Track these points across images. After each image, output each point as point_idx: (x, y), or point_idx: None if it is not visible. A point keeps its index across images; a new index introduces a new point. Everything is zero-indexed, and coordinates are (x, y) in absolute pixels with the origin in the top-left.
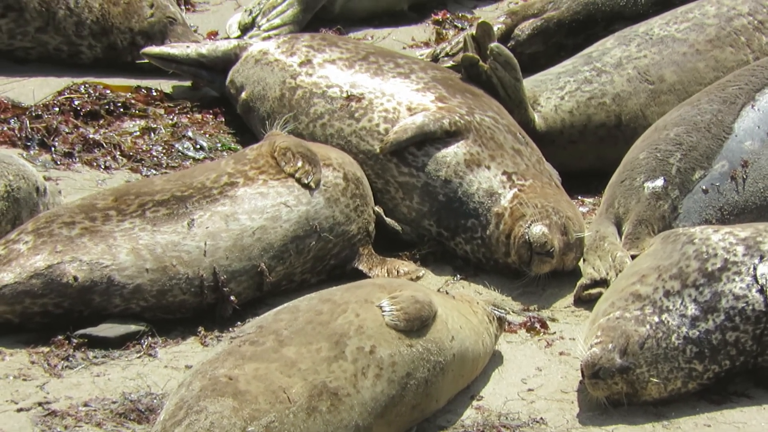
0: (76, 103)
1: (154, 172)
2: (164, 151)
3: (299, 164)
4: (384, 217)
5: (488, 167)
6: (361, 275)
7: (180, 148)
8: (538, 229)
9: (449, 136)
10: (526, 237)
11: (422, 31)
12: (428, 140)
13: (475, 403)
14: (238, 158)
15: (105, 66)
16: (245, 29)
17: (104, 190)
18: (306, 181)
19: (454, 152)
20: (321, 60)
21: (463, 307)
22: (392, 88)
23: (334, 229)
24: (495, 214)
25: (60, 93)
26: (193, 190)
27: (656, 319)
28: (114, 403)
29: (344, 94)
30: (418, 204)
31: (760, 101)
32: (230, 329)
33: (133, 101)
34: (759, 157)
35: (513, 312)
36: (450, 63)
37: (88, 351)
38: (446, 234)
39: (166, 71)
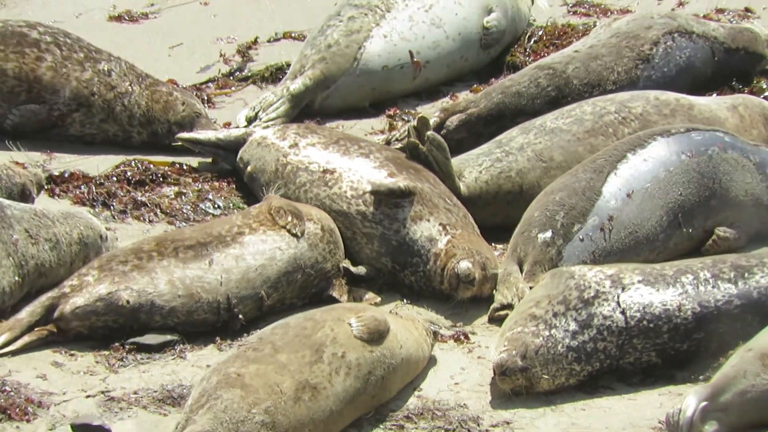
0: (129, 174)
1: (185, 224)
2: (192, 209)
3: (289, 219)
4: (350, 266)
5: (428, 220)
6: (334, 300)
7: (203, 207)
8: (464, 265)
9: (403, 196)
10: (456, 270)
11: (379, 122)
12: (385, 201)
13: (416, 393)
14: (245, 214)
15: (149, 147)
16: (250, 121)
17: (148, 237)
18: (294, 231)
19: (402, 210)
20: (305, 143)
21: (408, 324)
22: (356, 164)
23: (314, 267)
24: (433, 254)
25: (117, 167)
26: (212, 238)
27: (547, 333)
28: (155, 392)
29: (321, 169)
30: (377, 247)
31: (621, 169)
32: (239, 339)
33: (169, 173)
34: (621, 213)
35: (444, 327)
36: (399, 146)
37: (137, 354)
38: (398, 268)
39: (194, 151)
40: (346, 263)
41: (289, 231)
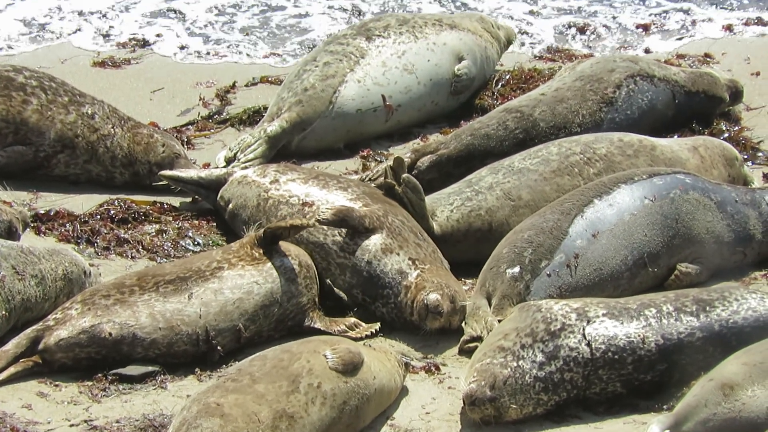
0: (112, 212)
1: (165, 260)
2: (172, 246)
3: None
4: (333, 287)
5: (398, 254)
6: (311, 332)
7: (183, 244)
8: (433, 297)
9: (369, 231)
10: (425, 302)
11: (353, 163)
12: (355, 233)
13: (389, 422)
14: (225, 250)
15: (131, 187)
16: (229, 161)
17: (130, 273)
18: (277, 232)
19: (373, 243)
20: (285, 179)
21: (381, 356)
22: (334, 197)
23: (291, 300)
24: (404, 286)
25: (101, 205)
26: (192, 273)
27: (515, 364)
28: (137, 420)
29: (300, 202)
30: (349, 278)
31: (586, 212)
32: (218, 370)
33: (151, 211)
34: (586, 251)
35: (416, 359)
36: (373, 185)
37: (119, 384)
38: (368, 300)
39: (174, 190)
40: (328, 282)
41: (268, 246)
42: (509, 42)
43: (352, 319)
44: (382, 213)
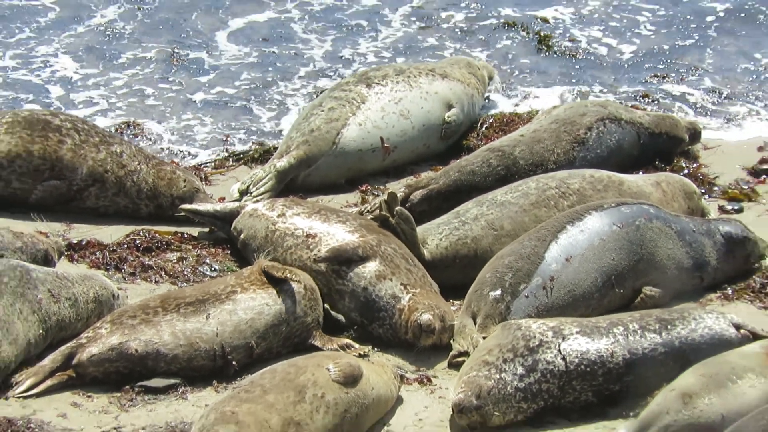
0: (137, 242)
1: (185, 284)
2: (192, 271)
3: (277, 270)
4: (330, 311)
5: (391, 279)
6: (314, 348)
7: (201, 269)
8: (426, 317)
9: (364, 260)
10: (418, 321)
11: (353, 196)
12: (351, 262)
13: (386, 428)
14: (238, 275)
15: (155, 218)
16: (242, 194)
17: (154, 296)
18: (279, 275)
19: (369, 270)
20: (291, 213)
21: (378, 369)
22: (334, 230)
23: (297, 320)
24: (398, 309)
25: (127, 235)
26: (209, 296)
27: (498, 376)
28: (160, 428)
29: (305, 234)
30: (348, 302)
31: (561, 238)
32: (233, 382)
33: (172, 240)
34: (561, 274)
35: (410, 371)
36: (370, 216)
37: (145, 395)
38: (366, 322)
39: (194, 221)
40: (326, 306)
41: (275, 280)
42: (491, 78)
43: (345, 340)
44: (376, 243)
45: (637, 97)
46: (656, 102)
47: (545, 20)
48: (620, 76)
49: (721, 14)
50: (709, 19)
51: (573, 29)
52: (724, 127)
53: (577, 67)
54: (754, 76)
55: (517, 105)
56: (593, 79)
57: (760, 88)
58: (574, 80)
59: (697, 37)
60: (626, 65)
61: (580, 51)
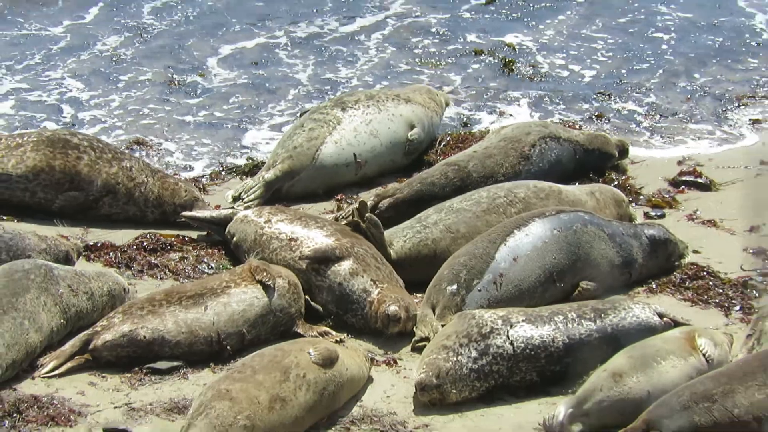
0: (145, 244)
1: (186, 280)
2: (192, 269)
3: (264, 274)
4: (311, 302)
5: (362, 276)
6: (297, 335)
7: (200, 268)
8: (393, 308)
9: (339, 259)
10: (386, 312)
11: (330, 204)
12: (329, 262)
13: (358, 404)
14: (231, 273)
15: (160, 223)
16: (235, 200)
17: (159, 290)
18: (268, 283)
19: (343, 268)
20: (276, 219)
21: (352, 353)
22: (314, 234)
23: (282, 311)
24: (369, 301)
25: (136, 238)
26: (207, 290)
27: (455, 359)
28: (165, 403)
29: (288, 237)
30: (326, 296)
31: (508, 241)
32: (227, 365)
33: (175, 242)
34: (509, 272)
35: (379, 355)
36: (344, 222)
37: (151, 376)
38: (341, 312)
39: (193, 226)
40: (306, 297)
41: (262, 283)
42: (447, 104)
43: (324, 328)
44: (350, 245)
45: (592, 117)
46: (608, 120)
47: (510, 45)
48: (578, 97)
49: (672, 42)
50: (663, 47)
51: (537, 56)
52: (651, 143)
53: (540, 89)
54: (690, 95)
55: (493, 122)
56: (552, 99)
57: (696, 107)
58: (536, 101)
59: (646, 65)
60: (583, 88)
61: (540, 75)
